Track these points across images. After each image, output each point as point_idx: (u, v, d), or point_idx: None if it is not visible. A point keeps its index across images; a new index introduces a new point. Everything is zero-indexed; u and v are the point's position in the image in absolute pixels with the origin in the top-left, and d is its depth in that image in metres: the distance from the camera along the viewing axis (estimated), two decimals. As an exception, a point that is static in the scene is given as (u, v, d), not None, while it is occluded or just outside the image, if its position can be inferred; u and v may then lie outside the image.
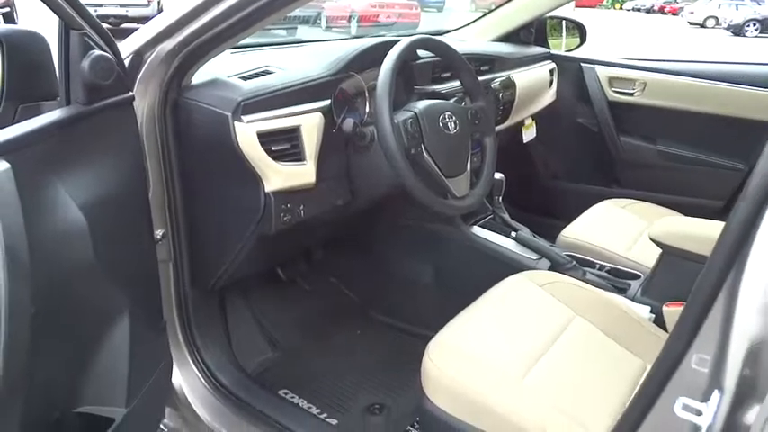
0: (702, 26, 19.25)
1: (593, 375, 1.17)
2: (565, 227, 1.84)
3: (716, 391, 0.65)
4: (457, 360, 1.14)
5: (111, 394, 1.05)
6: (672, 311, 1.46)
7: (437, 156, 1.34)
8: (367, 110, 1.41)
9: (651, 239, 1.52)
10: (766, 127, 2.00)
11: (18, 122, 0.92)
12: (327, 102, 1.34)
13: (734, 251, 0.66)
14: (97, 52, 1.00)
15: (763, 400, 0.60)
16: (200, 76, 1.30)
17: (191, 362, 1.44)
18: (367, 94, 1.42)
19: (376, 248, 1.97)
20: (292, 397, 1.56)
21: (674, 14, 25.65)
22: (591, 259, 1.71)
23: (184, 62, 1.24)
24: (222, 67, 1.36)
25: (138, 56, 1.20)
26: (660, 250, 1.58)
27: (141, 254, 1.17)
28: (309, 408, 1.53)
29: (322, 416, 1.50)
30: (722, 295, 0.67)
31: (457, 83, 1.66)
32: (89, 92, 1.00)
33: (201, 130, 1.27)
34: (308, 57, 1.49)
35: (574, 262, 1.64)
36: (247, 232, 1.30)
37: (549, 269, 1.63)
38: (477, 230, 1.76)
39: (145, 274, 1.19)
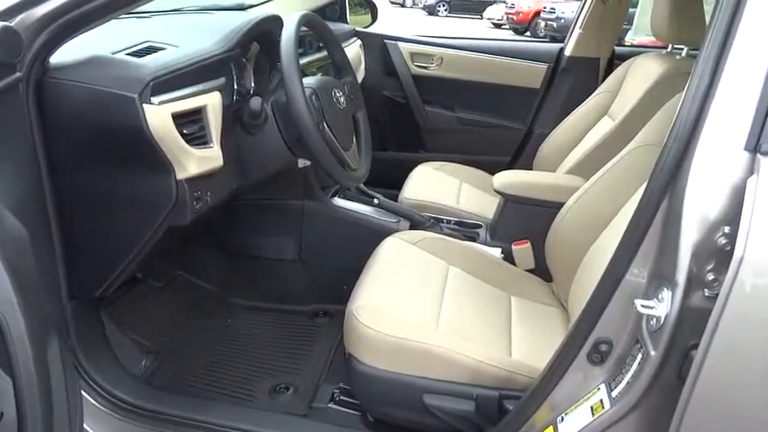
0: (402, 5, 21.49)
1: (479, 310, 1.38)
2: (389, 192, 2.03)
3: (665, 289, 0.88)
4: (385, 320, 1.23)
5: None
6: (519, 249, 1.78)
7: (335, 129, 1.38)
8: (253, 84, 1.38)
9: (495, 190, 1.81)
10: (536, 93, 2.48)
11: None
12: (223, 79, 1.28)
13: (668, 181, 0.85)
14: (2, 23, 0.82)
15: (712, 287, 0.83)
16: (64, 53, 1.12)
17: (82, 389, 1.25)
18: (250, 70, 1.38)
19: (228, 232, 1.90)
20: (189, 395, 1.46)
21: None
22: (436, 216, 1.94)
23: (53, 37, 1.05)
24: (83, 42, 1.17)
25: None
26: (496, 200, 1.88)
27: (53, 261, 0.99)
28: (213, 402, 1.45)
29: (233, 405, 1.44)
30: (659, 217, 0.89)
31: (309, 58, 1.70)
32: None
33: (84, 117, 1.09)
34: (186, 30, 1.37)
35: (432, 220, 1.84)
36: (154, 226, 1.18)
37: (409, 229, 1.80)
38: (339, 201, 1.84)
39: (55, 287, 1.01)
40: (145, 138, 1.08)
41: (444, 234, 1.76)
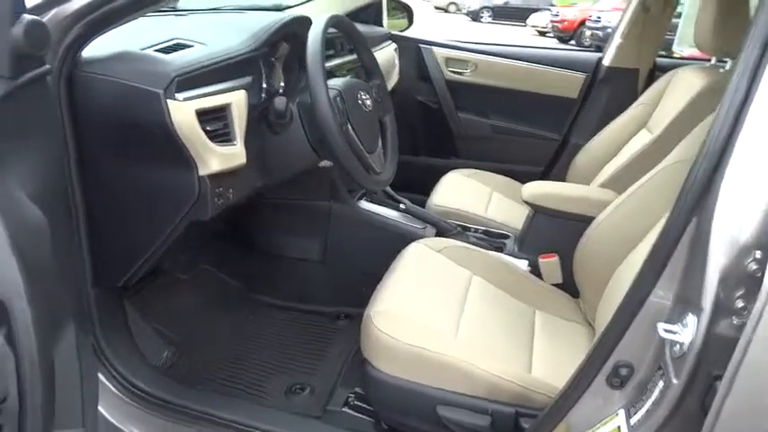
0: (446, 11, 21.45)
1: (501, 323, 1.34)
2: (419, 198, 2.01)
3: (690, 314, 0.83)
4: (402, 327, 1.21)
5: (67, 416, 0.91)
6: (546, 263, 1.73)
7: (360, 132, 1.37)
8: (282, 84, 1.38)
9: (524, 201, 1.76)
10: (573, 103, 2.42)
11: None
12: (249, 78, 1.28)
13: (696, 200, 0.80)
14: (29, 16, 0.83)
15: (740, 315, 0.78)
16: (95, 47, 1.13)
17: (101, 374, 1.27)
18: (280, 70, 1.38)
19: (254, 230, 1.91)
20: (206, 388, 1.47)
21: (420, -1, 28.03)
22: (463, 224, 1.90)
23: (85, 32, 1.07)
24: (114, 38, 1.19)
25: None
26: (526, 210, 1.84)
27: (72, 250, 1.00)
28: (228, 396, 1.45)
29: (248, 402, 1.44)
30: (686, 237, 0.85)
31: (338, 61, 1.69)
32: (17, 63, 0.83)
33: (113, 111, 1.11)
34: (216, 29, 1.38)
35: (458, 227, 1.81)
36: (176, 220, 1.19)
37: (436, 236, 1.77)
38: (365, 204, 1.83)
39: (78, 275, 1.02)
40: (168, 133, 1.09)
41: (470, 243, 1.73)
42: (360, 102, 1.40)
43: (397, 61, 2.47)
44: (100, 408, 1.25)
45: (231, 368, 1.56)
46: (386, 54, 2.31)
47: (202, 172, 1.16)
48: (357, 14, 2.42)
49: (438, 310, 1.29)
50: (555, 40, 14.01)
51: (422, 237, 1.73)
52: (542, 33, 15.52)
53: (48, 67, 0.94)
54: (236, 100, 1.22)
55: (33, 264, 0.76)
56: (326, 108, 1.23)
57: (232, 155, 1.20)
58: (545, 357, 1.25)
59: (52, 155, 0.91)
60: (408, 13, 2.73)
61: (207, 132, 1.14)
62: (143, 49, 1.17)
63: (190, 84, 1.11)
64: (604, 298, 1.29)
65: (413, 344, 1.16)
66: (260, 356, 1.62)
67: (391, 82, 2.39)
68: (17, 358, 0.60)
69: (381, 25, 2.58)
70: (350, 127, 1.34)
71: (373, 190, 1.73)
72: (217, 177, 1.19)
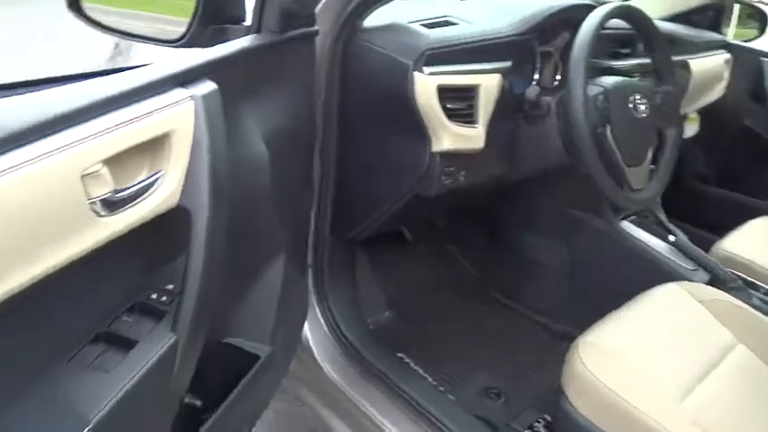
0: None
1: (752, 408, 1.04)
2: (710, 238, 1.67)
3: None
4: (611, 366, 1.04)
5: (257, 331, 1.04)
6: None
7: (621, 139, 1.21)
8: (558, 77, 1.30)
9: None
10: None
11: (212, 45, 0.89)
12: (509, 63, 1.23)
13: None
14: None
15: None
16: (373, 17, 1.22)
17: (317, 310, 1.41)
18: (557, 61, 1.30)
19: (503, 224, 1.87)
20: (408, 362, 1.51)
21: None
22: (755, 281, 1.53)
23: (365, 1, 1.16)
24: (395, 11, 1.27)
25: None
26: None
27: (301, 194, 1.13)
28: (425, 377, 1.47)
29: (440, 389, 1.44)
30: None
31: (636, 61, 1.50)
32: (284, 20, 0.95)
33: (372, 76, 1.19)
34: (492, 11, 1.38)
35: (739, 281, 1.48)
36: (403, 190, 1.24)
37: (706, 283, 1.47)
38: (628, 226, 1.61)
39: (300, 216, 1.15)
40: (410, 104, 1.12)
41: (751, 304, 1.39)
42: (630, 105, 1.23)
43: (726, 74, 2.09)
44: (310, 340, 1.40)
45: (438, 350, 1.57)
46: (710, 63, 1.98)
47: (434, 148, 1.17)
48: (689, 17, 2.12)
49: (670, 366, 1.07)
50: None
51: (687, 280, 1.45)
52: None
53: (316, 28, 1.05)
54: (487, 83, 1.19)
55: (244, 190, 0.88)
56: (579, 105, 1.12)
57: (469, 137, 1.19)
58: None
59: (296, 108, 1.02)
60: (762, 20, 2.28)
61: (447, 110, 1.14)
62: (411, 22, 1.22)
63: (440, 59, 1.13)
64: None
65: (619, 393, 0.99)
66: (470, 349, 1.59)
67: (711, 96, 2.04)
68: (188, 257, 0.71)
69: (719, 32, 2.21)
70: (608, 131, 1.20)
71: (625, 209, 1.51)
72: (449, 156, 1.19)
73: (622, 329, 1.15)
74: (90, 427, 0.60)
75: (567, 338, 1.64)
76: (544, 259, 1.76)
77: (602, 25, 1.17)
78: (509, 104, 1.26)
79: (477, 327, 1.70)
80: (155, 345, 0.69)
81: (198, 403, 0.95)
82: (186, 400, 0.94)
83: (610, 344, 1.09)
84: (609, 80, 1.24)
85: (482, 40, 1.19)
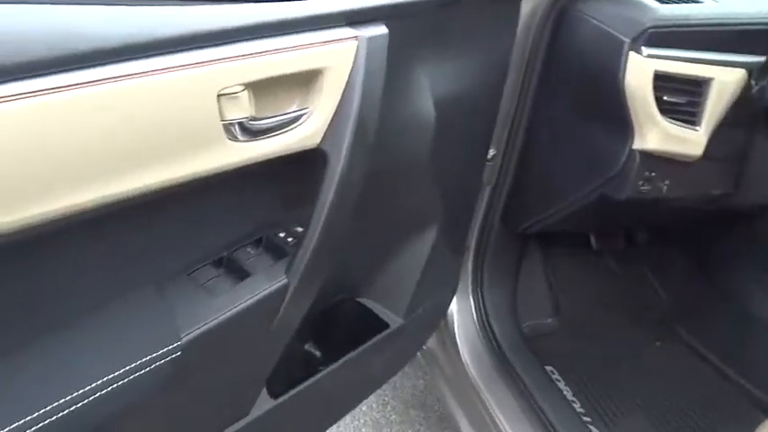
0: None
1: None
2: None
3: None
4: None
5: (394, 300, 0.99)
6: None
7: None
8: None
9: None
10: None
11: None
12: (761, 59, 0.99)
13: None
14: None
15: None
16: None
17: (470, 297, 1.32)
18: None
19: (718, 260, 1.56)
20: (558, 380, 1.35)
21: None
22: None
23: None
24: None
25: None
26: None
27: (469, 169, 1.04)
28: (573, 402, 1.30)
29: (585, 419, 1.26)
30: None
31: None
32: None
33: (582, 53, 1.05)
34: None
35: None
36: (589, 187, 1.08)
37: None
38: None
39: (465, 192, 1.06)
40: (616, 88, 0.96)
41: None
42: None
43: None
44: (456, 327, 1.32)
45: (597, 377, 1.37)
46: None
47: (636, 145, 0.99)
48: None
49: None
50: None
51: None
52: None
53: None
54: (725, 78, 0.97)
55: (397, 150, 0.82)
56: None
57: (684, 139, 0.98)
58: None
59: (484, 77, 0.93)
60: None
61: (661, 102, 0.96)
62: None
63: (667, 40, 0.94)
64: None
65: None
66: (637, 388, 1.36)
67: None
68: (315, 203, 0.67)
69: None
70: None
71: None
72: (653, 158, 1.00)
73: None
74: (178, 344, 0.60)
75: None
76: (761, 312, 1.43)
77: None
78: (748, 110, 1.02)
79: (654, 366, 1.45)
80: (263, 283, 0.67)
81: (317, 353, 0.94)
82: (306, 347, 0.94)
83: None
84: None
85: (729, 24, 0.97)
